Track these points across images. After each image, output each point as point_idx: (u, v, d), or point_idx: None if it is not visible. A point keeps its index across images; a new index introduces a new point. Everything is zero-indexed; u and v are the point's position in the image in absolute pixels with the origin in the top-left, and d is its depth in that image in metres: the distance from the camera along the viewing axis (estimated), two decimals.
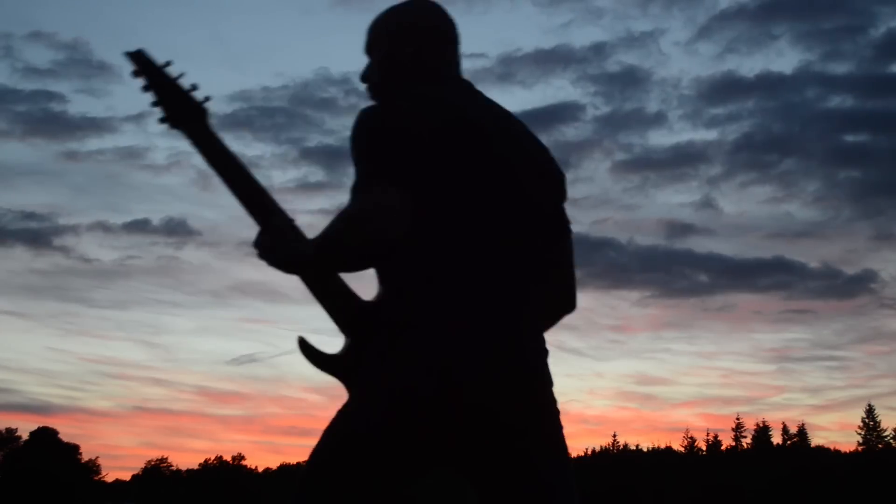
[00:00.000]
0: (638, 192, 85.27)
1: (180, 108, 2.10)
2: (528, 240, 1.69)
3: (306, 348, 2.06)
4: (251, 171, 2.03)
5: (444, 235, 1.63)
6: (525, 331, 1.65)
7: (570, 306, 1.82)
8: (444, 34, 1.85)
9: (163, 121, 2.13)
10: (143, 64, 2.09)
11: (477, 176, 1.65)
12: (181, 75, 2.11)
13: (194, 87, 2.11)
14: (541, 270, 1.73)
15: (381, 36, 1.87)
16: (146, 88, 2.11)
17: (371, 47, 1.89)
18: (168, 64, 2.11)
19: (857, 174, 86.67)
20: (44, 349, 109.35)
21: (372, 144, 1.64)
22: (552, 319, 1.83)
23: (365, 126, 1.66)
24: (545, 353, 1.71)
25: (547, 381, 1.68)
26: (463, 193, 1.64)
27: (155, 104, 2.11)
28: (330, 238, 1.63)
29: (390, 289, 1.69)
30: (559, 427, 1.67)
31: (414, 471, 1.60)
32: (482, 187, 1.65)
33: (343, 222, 1.61)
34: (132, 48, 2.07)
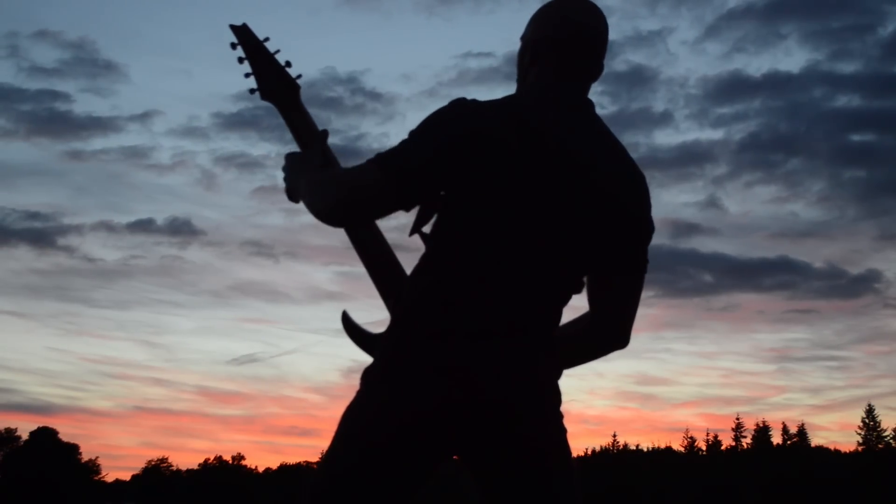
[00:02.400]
0: None
1: (274, 82, 2.19)
2: (562, 260, 1.65)
3: (348, 324, 2.12)
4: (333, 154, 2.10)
5: (470, 239, 1.61)
6: (541, 346, 1.64)
7: (621, 342, 1.78)
8: (571, 47, 1.74)
9: (254, 91, 2.22)
10: (245, 36, 2.18)
11: (521, 190, 1.60)
12: (278, 51, 2.20)
13: (289, 64, 2.20)
14: (565, 294, 1.70)
15: (526, 29, 1.82)
16: (243, 60, 2.20)
17: (521, 37, 1.83)
18: (267, 39, 2.19)
19: (863, 174, 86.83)
20: (44, 349, 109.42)
21: (420, 132, 1.64)
22: (601, 352, 1.82)
23: (433, 114, 1.65)
24: (558, 371, 1.71)
25: (556, 396, 1.68)
26: (501, 202, 1.60)
27: (249, 75, 2.20)
28: (313, 190, 1.69)
29: (412, 280, 1.69)
30: (565, 439, 1.68)
31: (423, 474, 1.60)
32: (521, 202, 1.61)
33: (326, 184, 1.67)
34: (237, 22, 2.17)
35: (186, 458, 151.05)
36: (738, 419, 61.17)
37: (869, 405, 55.00)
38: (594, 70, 1.77)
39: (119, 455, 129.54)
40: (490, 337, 1.59)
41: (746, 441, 59.53)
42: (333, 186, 1.64)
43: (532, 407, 1.61)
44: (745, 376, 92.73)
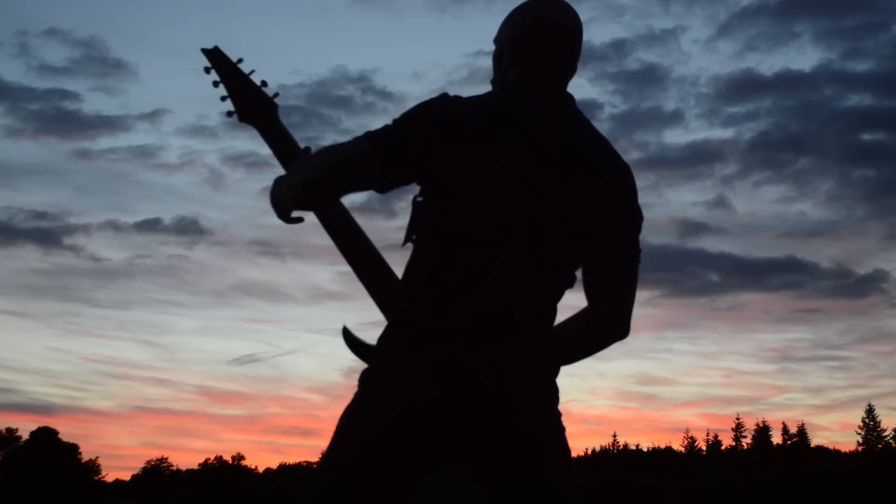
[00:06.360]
0: (652, 191, 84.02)
1: (251, 103, 2.18)
2: (552, 253, 1.65)
3: (349, 338, 2.12)
4: None
5: (460, 237, 1.62)
6: (537, 342, 1.65)
7: (621, 333, 1.79)
8: (547, 45, 1.77)
9: (231, 114, 2.21)
10: (218, 60, 2.18)
11: (507, 184, 1.61)
12: (252, 72, 2.19)
13: (264, 83, 2.20)
14: (559, 288, 1.70)
15: (499, 32, 1.85)
16: (218, 83, 2.19)
17: (495, 39, 1.87)
18: (240, 61, 2.19)
19: (872, 173, 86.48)
20: (45, 349, 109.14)
21: (405, 117, 1.64)
22: (602, 345, 1.83)
23: (418, 104, 1.67)
24: (556, 368, 1.71)
25: (554, 393, 1.68)
26: (487, 197, 1.61)
27: (225, 98, 2.19)
28: (298, 165, 1.67)
29: (405, 282, 1.70)
30: (563, 436, 1.67)
31: (420, 473, 1.60)
32: (508, 196, 1.62)
33: (313, 157, 1.63)
34: (209, 45, 2.16)
35: (187, 458, 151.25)
36: (738, 419, 61.24)
37: (869, 405, 55.10)
38: (570, 67, 1.80)
39: (119, 455, 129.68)
40: (486, 334, 1.59)
41: (746, 441, 59.56)
42: (320, 156, 1.63)
43: (530, 403, 1.61)
44: (747, 376, 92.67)
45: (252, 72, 2.20)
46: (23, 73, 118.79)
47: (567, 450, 1.67)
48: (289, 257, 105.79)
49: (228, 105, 2.22)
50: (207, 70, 2.19)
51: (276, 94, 2.21)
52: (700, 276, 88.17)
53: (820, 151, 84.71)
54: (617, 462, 59.63)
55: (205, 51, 2.19)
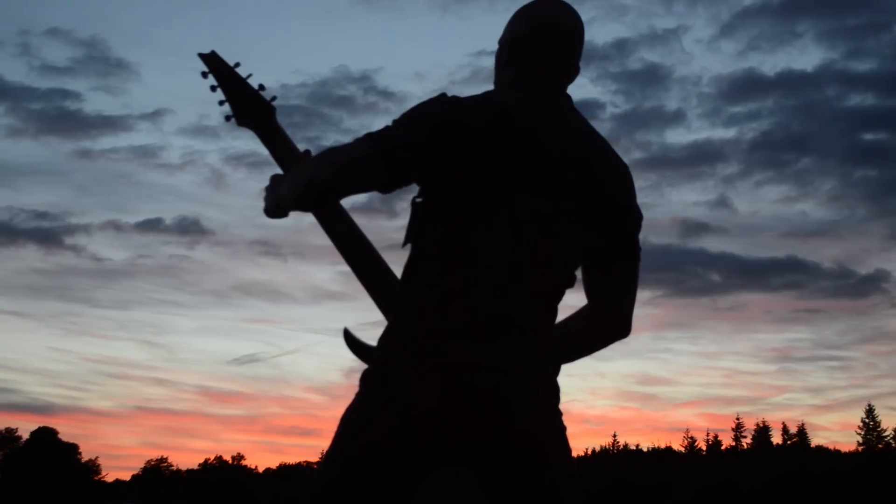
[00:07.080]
0: (653, 191, 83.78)
1: (249, 107, 2.18)
2: (552, 254, 1.66)
3: (350, 339, 2.13)
4: None
5: (459, 237, 1.62)
6: (537, 342, 1.65)
7: (622, 332, 1.79)
8: (546, 45, 1.77)
9: (230, 118, 2.21)
10: (215, 64, 2.18)
11: (506, 184, 1.62)
12: (250, 76, 2.19)
13: (262, 87, 2.20)
14: (558, 289, 1.71)
15: (503, 32, 1.84)
16: (215, 87, 2.19)
17: (498, 40, 1.85)
18: (238, 65, 2.18)
19: (874, 173, 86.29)
20: (45, 349, 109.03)
21: (405, 118, 1.64)
22: (603, 343, 1.82)
23: (417, 104, 1.67)
24: (556, 368, 1.72)
25: (555, 393, 1.68)
26: (486, 197, 1.62)
27: (223, 102, 2.19)
28: (298, 169, 1.68)
29: (404, 283, 1.70)
30: (564, 436, 1.68)
31: (420, 473, 1.60)
32: (506, 196, 1.62)
33: (313, 159, 1.65)
34: (205, 50, 2.16)
35: (186, 458, 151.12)
36: (738, 419, 61.20)
37: (869, 405, 55.08)
38: (570, 68, 1.79)
39: (119, 455, 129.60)
40: (486, 335, 1.59)
41: (746, 441, 59.55)
42: (321, 158, 1.63)
43: (530, 403, 1.62)
44: (747, 376, 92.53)
45: (249, 75, 2.20)
46: (24, 72, 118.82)
47: (568, 450, 1.67)
48: (290, 257, 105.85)
49: (227, 109, 2.22)
50: (205, 75, 2.19)
51: (275, 98, 2.21)
52: (701, 276, 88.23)
53: (822, 151, 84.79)
54: (617, 462, 59.65)
55: (201, 55, 2.19)
